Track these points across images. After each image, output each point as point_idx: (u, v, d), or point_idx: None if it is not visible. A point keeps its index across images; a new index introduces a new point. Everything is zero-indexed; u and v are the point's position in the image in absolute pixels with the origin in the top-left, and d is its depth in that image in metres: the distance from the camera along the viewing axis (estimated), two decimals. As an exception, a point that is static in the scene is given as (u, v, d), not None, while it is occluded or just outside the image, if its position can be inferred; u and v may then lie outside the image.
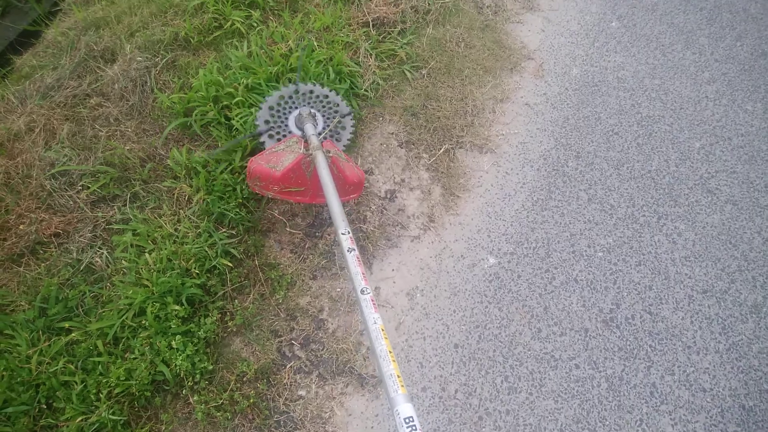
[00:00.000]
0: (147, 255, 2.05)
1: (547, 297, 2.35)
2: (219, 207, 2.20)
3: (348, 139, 2.44)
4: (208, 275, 2.07)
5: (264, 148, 2.29)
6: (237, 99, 2.40)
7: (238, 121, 2.37)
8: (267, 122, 2.34)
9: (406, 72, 2.84)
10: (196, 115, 2.40)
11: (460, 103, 2.83)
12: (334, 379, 2.02)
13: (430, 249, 2.41)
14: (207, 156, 2.30)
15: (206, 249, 2.10)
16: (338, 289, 2.23)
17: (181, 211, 2.23)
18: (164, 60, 2.61)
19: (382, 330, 1.44)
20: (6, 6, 3.75)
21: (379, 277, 2.31)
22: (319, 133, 2.31)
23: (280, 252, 2.28)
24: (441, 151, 2.66)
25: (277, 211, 2.36)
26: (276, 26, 2.80)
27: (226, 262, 2.11)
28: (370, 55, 2.75)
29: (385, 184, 2.55)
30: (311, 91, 2.46)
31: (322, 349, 2.08)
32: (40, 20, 3.58)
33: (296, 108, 2.40)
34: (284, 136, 2.34)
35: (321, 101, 2.47)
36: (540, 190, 2.67)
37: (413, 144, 2.68)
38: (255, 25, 2.81)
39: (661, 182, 2.78)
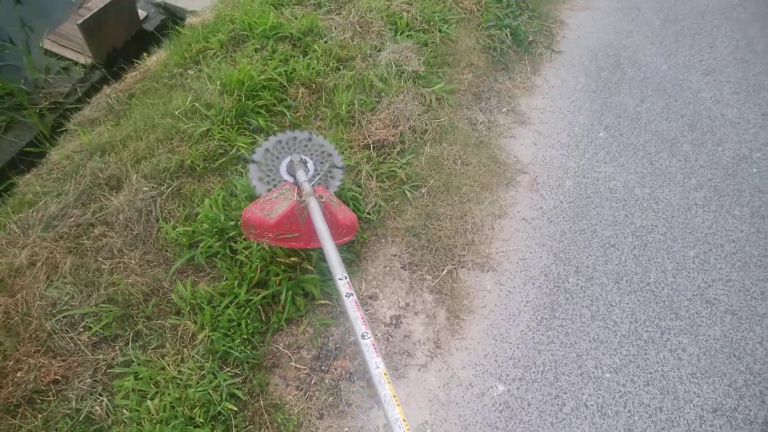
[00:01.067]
0: (149, 402, 1.99)
1: (558, 426, 2.30)
2: (224, 345, 2.16)
3: (338, 186, 2.46)
4: (213, 423, 2.01)
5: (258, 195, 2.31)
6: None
7: (242, 253, 2.39)
8: (261, 179, 2.36)
9: (407, 192, 2.91)
10: (201, 248, 2.41)
11: (460, 221, 2.89)
12: None
13: (438, 378, 2.38)
14: None
15: (210, 392, 2.04)
16: (346, 429, 2.17)
17: (185, 349, 2.19)
18: (170, 188, 2.65)
19: (385, 374, 1.40)
20: (10, 121, 3.85)
21: (388, 413, 2.25)
22: (310, 180, 2.34)
23: (285, 390, 2.23)
24: (444, 272, 2.68)
25: (281, 345, 2.33)
26: (279, 150, 2.88)
27: (231, 406, 2.05)
28: (372, 177, 2.82)
29: (389, 309, 2.55)
30: (295, 138, 2.54)
31: (332, 501, 1.99)
32: (42, 137, 3.66)
33: (287, 155, 2.45)
34: (276, 184, 2.36)
35: (306, 146, 2.54)
36: (543, 308, 2.68)
37: (416, 266, 2.70)
38: (259, 149, 2.88)
39: (661, 294, 2.81)
